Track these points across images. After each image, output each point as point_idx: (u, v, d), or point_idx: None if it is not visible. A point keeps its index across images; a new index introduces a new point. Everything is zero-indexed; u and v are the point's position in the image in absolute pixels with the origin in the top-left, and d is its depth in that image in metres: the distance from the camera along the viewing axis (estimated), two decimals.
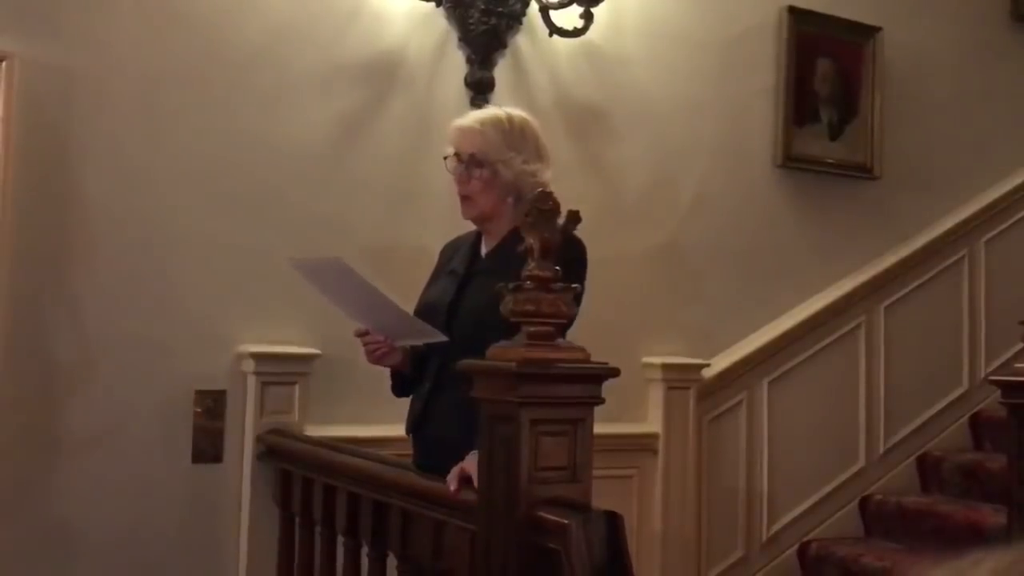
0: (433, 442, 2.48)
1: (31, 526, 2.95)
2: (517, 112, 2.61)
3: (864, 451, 4.27)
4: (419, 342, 2.50)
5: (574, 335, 1.98)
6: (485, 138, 2.51)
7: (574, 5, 3.55)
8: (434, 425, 2.51)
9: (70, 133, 3.03)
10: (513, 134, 2.52)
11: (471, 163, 2.51)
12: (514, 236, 2.39)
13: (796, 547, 4.08)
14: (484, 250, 2.60)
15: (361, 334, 2.53)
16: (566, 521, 1.77)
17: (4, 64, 2.91)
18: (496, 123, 2.52)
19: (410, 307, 2.58)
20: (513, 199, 2.50)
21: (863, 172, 4.32)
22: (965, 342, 4.54)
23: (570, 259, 1.97)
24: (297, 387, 3.19)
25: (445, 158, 2.59)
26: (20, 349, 2.95)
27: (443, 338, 2.39)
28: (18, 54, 2.93)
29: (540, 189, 1.98)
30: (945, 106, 4.56)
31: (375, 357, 2.55)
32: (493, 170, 2.50)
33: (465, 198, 2.55)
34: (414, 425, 2.58)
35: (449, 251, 2.70)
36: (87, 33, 3.05)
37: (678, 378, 3.83)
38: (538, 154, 2.54)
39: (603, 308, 3.28)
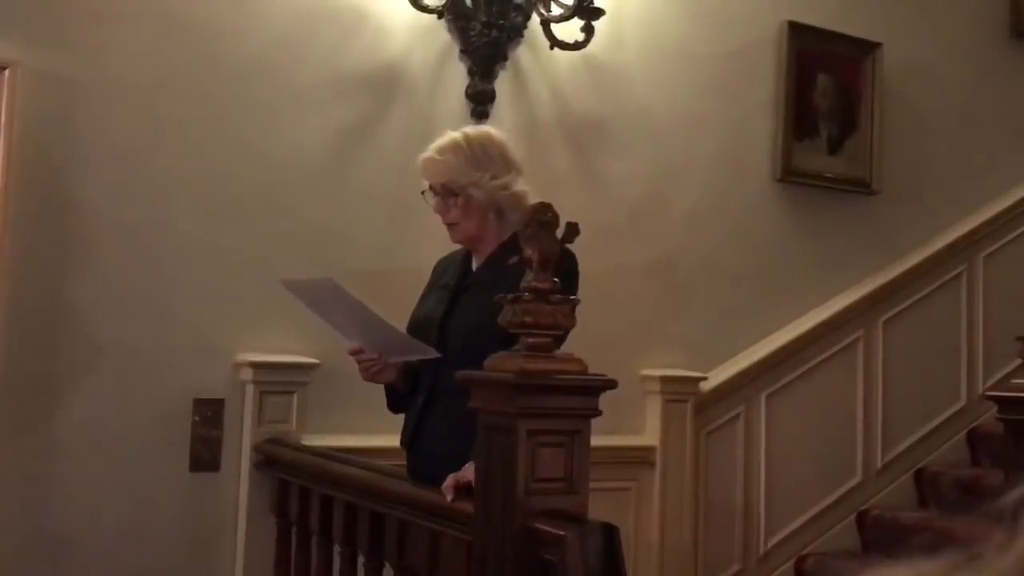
0: (426, 457, 2.49)
1: (30, 533, 2.95)
2: (475, 130, 2.66)
3: (862, 465, 4.26)
4: (412, 359, 2.52)
5: (572, 347, 1.98)
6: (448, 167, 2.54)
7: (575, 18, 3.56)
8: (427, 439, 2.52)
9: (71, 142, 3.04)
10: (474, 154, 2.54)
11: (444, 193, 2.56)
12: (504, 249, 2.43)
13: (793, 561, 4.07)
14: (475, 264, 2.62)
15: (355, 352, 2.55)
16: (563, 533, 1.77)
17: (7, 72, 2.92)
18: (455, 148, 2.55)
19: (405, 320, 2.59)
20: (494, 215, 2.55)
21: (862, 187, 4.33)
22: (963, 357, 4.54)
23: (563, 272, 1.98)
24: (295, 397, 3.20)
25: (423, 192, 2.62)
26: (18, 358, 2.95)
27: (436, 355, 2.40)
28: (21, 63, 2.94)
29: (536, 201, 1.99)
30: (944, 121, 4.57)
31: (369, 374, 2.57)
32: (466, 195, 2.53)
33: (450, 225, 2.59)
34: (408, 440, 2.59)
35: (441, 266, 2.74)
36: (90, 42, 3.07)
37: (676, 391, 3.83)
38: (506, 165, 2.57)
39: (601, 320, 3.29)
